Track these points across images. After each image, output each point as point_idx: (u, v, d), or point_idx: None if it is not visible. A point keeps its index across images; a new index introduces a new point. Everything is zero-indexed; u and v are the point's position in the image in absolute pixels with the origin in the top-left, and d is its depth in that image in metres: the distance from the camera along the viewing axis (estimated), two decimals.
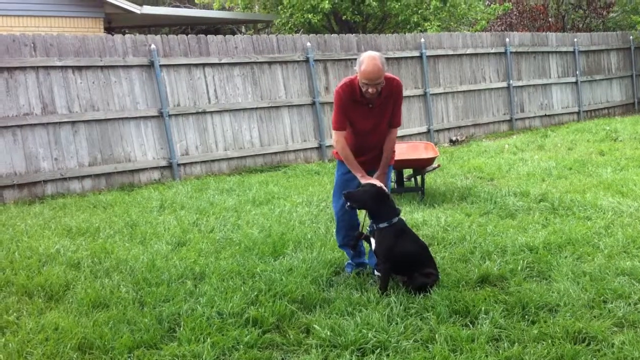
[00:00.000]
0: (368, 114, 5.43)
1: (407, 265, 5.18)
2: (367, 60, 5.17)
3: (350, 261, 5.82)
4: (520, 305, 4.77)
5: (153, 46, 11.29)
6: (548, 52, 17.93)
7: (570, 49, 18.39)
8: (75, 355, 4.30)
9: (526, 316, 4.61)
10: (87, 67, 10.67)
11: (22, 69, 10.08)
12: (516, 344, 4.20)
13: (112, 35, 11.44)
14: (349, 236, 5.75)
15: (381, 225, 5.24)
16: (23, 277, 5.81)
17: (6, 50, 9.98)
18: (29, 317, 4.95)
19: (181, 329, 4.60)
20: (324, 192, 9.36)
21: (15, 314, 5.04)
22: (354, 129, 5.55)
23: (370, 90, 5.24)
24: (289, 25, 20.72)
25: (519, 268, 5.54)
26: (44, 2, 16.47)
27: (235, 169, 12.26)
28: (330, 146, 13.45)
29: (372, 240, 5.33)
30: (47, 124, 10.26)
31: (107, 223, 7.84)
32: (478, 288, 5.22)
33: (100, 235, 7.27)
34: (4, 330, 4.75)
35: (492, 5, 23.09)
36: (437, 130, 15.33)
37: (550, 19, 25.14)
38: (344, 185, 5.64)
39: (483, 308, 4.70)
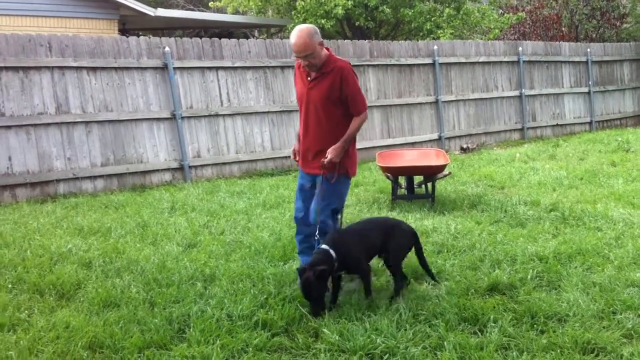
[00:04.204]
0: (305, 82, 5.48)
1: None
2: (294, 32, 5.24)
3: None
4: (529, 314, 4.76)
5: (167, 49, 11.36)
6: (561, 62, 17.90)
7: (583, 59, 18.35)
8: (85, 354, 4.33)
9: (535, 325, 4.60)
10: (102, 68, 10.75)
11: (38, 68, 10.16)
12: (525, 353, 4.19)
13: (127, 37, 11.52)
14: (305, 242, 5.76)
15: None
16: (35, 275, 5.86)
17: (22, 49, 10.07)
18: (40, 315, 4.99)
19: (191, 330, 4.63)
20: None
21: (26, 311, 5.08)
22: (297, 97, 5.71)
23: (302, 62, 5.35)
24: None
25: (529, 277, 5.54)
26: (59, 3, 16.60)
27: (246, 172, 12.30)
28: None
29: None
30: (61, 123, 10.34)
31: (118, 223, 7.89)
32: (487, 296, 5.22)
33: (111, 235, 7.32)
34: (16, 328, 4.79)
35: (505, 15, 23.07)
36: (448, 138, 15.33)
37: (563, 29, 25.08)
38: (297, 193, 5.78)
39: (492, 316, 4.70)
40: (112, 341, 4.47)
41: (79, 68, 10.52)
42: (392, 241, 5.37)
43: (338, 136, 5.38)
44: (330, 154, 5.30)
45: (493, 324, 4.59)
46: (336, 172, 5.38)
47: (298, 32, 5.19)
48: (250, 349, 4.37)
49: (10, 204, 9.60)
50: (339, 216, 5.63)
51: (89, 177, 10.61)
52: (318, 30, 5.32)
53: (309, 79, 5.43)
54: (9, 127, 9.88)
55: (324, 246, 5.03)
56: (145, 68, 11.21)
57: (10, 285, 5.66)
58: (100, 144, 10.72)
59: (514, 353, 4.20)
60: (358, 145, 13.89)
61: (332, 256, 4.95)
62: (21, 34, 10.46)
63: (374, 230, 5.42)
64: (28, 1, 16.19)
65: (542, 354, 4.18)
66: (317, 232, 5.37)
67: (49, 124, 10.23)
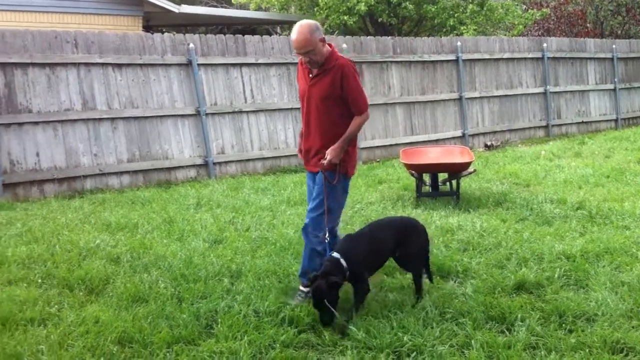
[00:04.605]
0: (307, 79, 5.37)
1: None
2: (294, 28, 5.11)
3: None
4: (557, 313, 4.75)
5: (191, 45, 11.42)
6: (586, 58, 17.73)
7: (609, 55, 18.16)
8: (115, 349, 4.38)
9: (563, 325, 4.59)
10: (127, 65, 10.84)
11: (64, 65, 10.26)
12: (553, 352, 4.18)
13: (152, 33, 11.59)
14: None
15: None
16: (64, 270, 5.93)
17: (48, 46, 10.18)
18: (70, 310, 5.05)
19: (218, 325, 4.67)
20: (359, 193, 9.39)
21: (56, 306, 5.15)
22: (299, 94, 5.60)
23: (303, 59, 5.22)
24: (325, 26, 20.74)
25: (556, 276, 5.51)
26: (85, 0, 16.74)
27: (269, 168, 12.33)
28: (364, 148, 13.48)
29: None
30: (87, 119, 10.44)
31: (145, 219, 7.96)
32: (514, 295, 5.21)
33: (138, 231, 7.39)
34: (46, 322, 4.85)
35: (529, 10, 22.88)
36: (472, 135, 15.25)
37: (588, 25, 24.85)
38: (308, 194, 5.65)
39: (519, 315, 4.69)
40: (141, 336, 4.53)
41: (104, 64, 10.62)
42: (407, 242, 5.22)
43: (338, 135, 5.23)
44: (329, 154, 5.16)
45: (521, 323, 4.58)
46: (338, 172, 5.25)
47: (299, 28, 5.08)
48: (278, 345, 4.40)
49: (39, 199, 9.72)
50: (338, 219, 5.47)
51: (115, 173, 10.70)
52: (320, 26, 5.20)
53: (310, 75, 5.32)
54: (36, 123, 9.99)
55: (335, 254, 4.88)
56: (170, 64, 11.29)
57: (40, 280, 5.73)
58: (126, 140, 10.81)
59: (542, 352, 4.20)
60: (382, 142, 13.90)
61: (343, 266, 4.82)
62: (47, 30, 10.58)
63: (387, 233, 5.23)
64: None
65: (570, 354, 4.16)
66: (326, 234, 5.22)
67: (75, 120, 10.33)
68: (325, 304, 4.63)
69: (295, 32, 5.07)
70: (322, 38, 5.12)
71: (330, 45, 5.26)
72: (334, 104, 5.24)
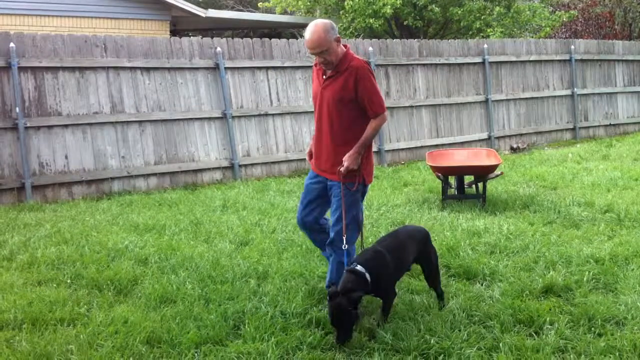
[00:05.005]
0: (320, 80, 5.18)
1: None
2: (308, 27, 4.91)
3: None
4: (586, 317, 4.70)
5: (219, 49, 11.51)
6: (614, 61, 17.53)
7: (638, 57, 17.94)
8: (144, 349, 4.41)
9: (592, 328, 4.54)
10: (155, 69, 10.96)
11: (93, 68, 10.41)
12: (582, 356, 4.15)
13: (180, 37, 11.70)
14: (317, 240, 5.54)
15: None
16: (93, 270, 6.00)
17: (78, 50, 10.32)
18: (99, 310, 5.10)
19: (246, 326, 4.69)
20: (384, 196, 9.38)
21: (85, 306, 5.20)
22: (312, 96, 5.39)
23: (318, 60, 5.04)
24: (350, 29, 20.79)
25: (585, 279, 5.46)
26: (114, 5, 16.96)
27: (294, 171, 12.37)
28: (389, 151, 13.47)
29: None
30: (116, 122, 10.57)
31: (172, 221, 8.03)
32: (542, 298, 5.17)
33: (166, 233, 7.45)
34: (75, 322, 4.90)
35: (557, 12, 22.69)
36: (498, 137, 15.15)
37: (616, 27, 24.58)
38: (305, 193, 5.43)
39: (548, 318, 4.65)
40: (169, 336, 4.56)
41: (133, 68, 10.74)
42: (426, 252, 5.09)
43: (351, 139, 5.02)
44: (346, 161, 4.95)
45: (549, 326, 4.55)
46: (357, 179, 5.04)
47: (313, 27, 4.87)
48: (305, 346, 4.40)
49: (67, 201, 9.85)
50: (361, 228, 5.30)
51: (143, 175, 10.81)
52: (335, 26, 4.97)
53: (324, 77, 5.12)
54: (65, 126, 10.14)
55: (359, 267, 4.56)
56: (197, 68, 11.39)
57: (69, 281, 5.80)
58: (153, 142, 10.92)
59: (572, 356, 4.16)
60: (407, 145, 13.89)
61: (368, 280, 4.53)
62: (77, 34, 10.73)
63: (409, 243, 5.00)
64: (84, 3, 16.60)
65: (600, 357, 4.12)
66: (344, 243, 4.98)
67: (104, 123, 10.47)
68: (343, 322, 4.39)
69: (309, 32, 4.88)
70: (338, 38, 4.94)
71: (345, 45, 5.07)
72: (347, 107, 5.03)
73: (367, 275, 4.53)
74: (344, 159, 4.98)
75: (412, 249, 4.98)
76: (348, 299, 4.36)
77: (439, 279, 5.16)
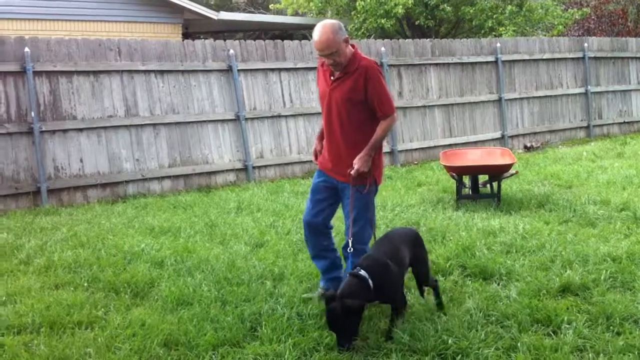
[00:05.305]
0: (328, 81, 5.13)
1: None
2: (316, 28, 4.85)
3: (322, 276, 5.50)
4: (604, 315, 4.68)
5: (232, 51, 11.54)
6: (628, 58, 17.42)
7: None
8: (161, 351, 4.43)
9: (611, 327, 4.52)
10: (169, 72, 11.00)
11: (108, 72, 10.45)
12: (601, 354, 4.13)
13: (193, 40, 11.74)
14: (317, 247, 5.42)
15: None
16: (109, 274, 6.03)
17: (92, 54, 10.37)
18: (117, 313, 5.12)
19: (262, 328, 4.69)
20: (398, 196, 9.37)
21: (102, 309, 5.23)
22: (319, 97, 5.34)
23: (326, 61, 4.98)
24: (362, 30, 20.78)
25: (602, 278, 5.43)
26: (126, 8, 17.07)
27: (308, 172, 12.37)
28: (402, 151, 13.45)
29: None
30: (130, 126, 10.61)
31: (187, 223, 8.06)
32: (560, 297, 5.15)
33: (181, 235, 7.48)
34: (93, 325, 4.93)
35: (569, 10, 22.57)
36: (512, 136, 15.09)
37: (629, 24, 24.42)
38: (314, 191, 5.42)
39: (566, 317, 4.64)
40: (186, 339, 4.58)
41: (147, 71, 10.79)
42: (419, 253, 5.00)
43: (360, 141, 4.99)
44: (356, 163, 4.92)
45: (567, 326, 4.53)
46: (368, 182, 5.02)
47: (321, 28, 4.81)
48: (322, 347, 4.41)
49: (83, 204, 9.91)
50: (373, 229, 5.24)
51: (157, 178, 10.85)
52: (343, 26, 4.93)
53: (332, 78, 5.07)
54: (80, 129, 10.19)
55: (362, 272, 4.44)
56: (211, 70, 11.42)
57: (86, 284, 5.83)
58: (167, 145, 10.96)
59: (590, 355, 4.14)
60: (420, 145, 13.87)
61: (370, 286, 4.40)
62: (91, 38, 10.79)
63: (403, 245, 4.88)
64: (97, 7, 16.71)
65: (619, 356, 4.10)
66: (349, 246, 4.96)
67: (118, 127, 10.51)
68: (342, 327, 4.28)
69: (318, 33, 4.81)
70: (346, 38, 4.89)
71: (353, 46, 5.02)
72: (356, 109, 5.00)
73: (370, 282, 4.42)
74: (354, 161, 4.96)
75: (406, 252, 4.89)
76: (348, 305, 4.22)
77: (430, 274, 5.09)
